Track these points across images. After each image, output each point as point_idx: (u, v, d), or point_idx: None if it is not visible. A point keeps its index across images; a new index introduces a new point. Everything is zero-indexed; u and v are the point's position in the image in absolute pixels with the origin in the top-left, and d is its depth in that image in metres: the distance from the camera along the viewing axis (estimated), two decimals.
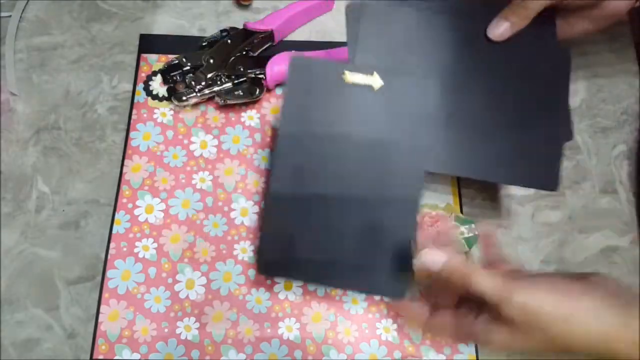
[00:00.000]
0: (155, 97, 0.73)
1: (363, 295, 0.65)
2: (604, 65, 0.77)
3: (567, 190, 0.71)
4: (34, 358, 0.62)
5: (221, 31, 0.73)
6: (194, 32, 0.77)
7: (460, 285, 0.50)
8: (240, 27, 0.74)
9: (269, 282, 0.65)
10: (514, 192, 0.71)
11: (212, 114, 0.72)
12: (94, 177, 0.69)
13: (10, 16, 0.76)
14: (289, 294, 0.65)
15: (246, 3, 0.77)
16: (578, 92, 0.76)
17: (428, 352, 0.63)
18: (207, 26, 0.77)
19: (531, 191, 0.71)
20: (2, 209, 0.67)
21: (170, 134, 0.71)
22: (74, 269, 0.65)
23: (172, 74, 0.72)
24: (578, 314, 0.46)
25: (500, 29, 0.60)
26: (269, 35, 0.74)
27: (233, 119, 0.72)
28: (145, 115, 0.72)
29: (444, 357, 0.63)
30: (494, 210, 0.70)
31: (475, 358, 0.63)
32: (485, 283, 0.48)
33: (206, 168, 0.70)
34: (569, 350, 0.47)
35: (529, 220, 0.70)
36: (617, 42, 0.78)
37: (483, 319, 0.50)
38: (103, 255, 0.66)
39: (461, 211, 0.69)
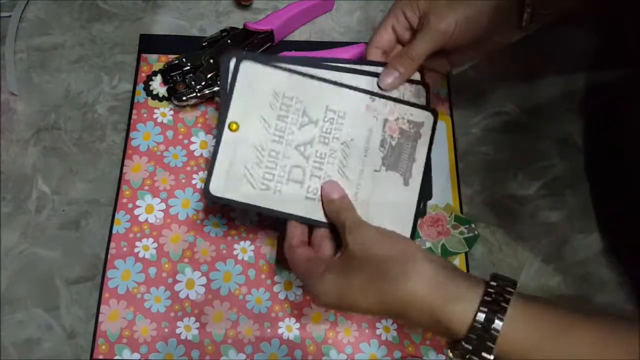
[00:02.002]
0: (155, 97, 0.73)
1: None
2: (604, 65, 0.77)
3: (567, 190, 0.71)
4: (34, 358, 0.62)
5: (221, 31, 0.74)
6: (194, 33, 0.77)
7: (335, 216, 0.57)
8: (241, 27, 0.74)
9: (269, 282, 0.65)
10: (514, 193, 0.71)
11: (212, 114, 0.72)
12: (94, 177, 0.69)
13: (10, 16, 0.76)
14: (288, 293, 0.65)
15: (246, 3, 0.78)
16: (578, 92, 0.76)
17: (428, 352, 0.63)
18: (207, 26, 0.77)
19: (531, 191, 0.71)
20: (2, 209, 0.67)
21: (170, 134, 0.71)
22: (74, 269, 0.65)
23: (172, 74, 0.72)
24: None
25: (389, 79, 0.60)
26: (269, 36, 0.74)
27: None
28: (145, 115, 0.72)
29: (444, 357, 0.63)
30: (493, 211, 0.70)
31: None
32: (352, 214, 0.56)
33: (206, 168, 0.69)
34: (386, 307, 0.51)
35: (528, 220, 0.70)
36: (618, 42, 0.78)
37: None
38: (103, 255, 0.66)
39: (461, 211, 0.69)
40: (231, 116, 0.57)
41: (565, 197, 0.71)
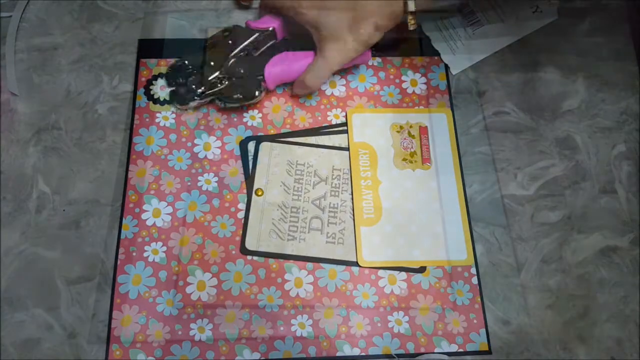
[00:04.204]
0: (156, 101, 0.73)
1: (374, 289, 0.65)
2: (604, 65, 0.78)
3: (567, 190, 0.72)
4: (34, 358, 0.61)
5: (222, 31, 0.73)
6: (195, 33, 0.77)
7: None
8: (242, 26, 0.74)
9: (279, 280, 0.65)
10: (514, 192, 0.71)
11: (214, 115, 0.73)
12: (94, 177, 0.69)
13: (10, 16, 0.75)
14: (299, 291, 0.65)
15: (246, 4, 0.78)
16: (578, 92, 0.77)
17: (440, 343, 0.64)
18: (208, 26, 0.78)
19: (531, 191, 0.71)
20: (3, 209, 0.67)
21: (173, 137, 0.71)
22: (74, 269, 0.65)
23: (172, 77, 0.72)
24: None
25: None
26: (272, 34, 0.74)
27: (235, 119, 0.72)
28: (147, 119, 0.72)
29: (456, 347, 0.64)
30: (493, 211, 0.70)
31: (487, 347, 0.64)
32: None
33: (211, 170, 0.70)
34: None
35: (528, 220, 0.70)
36: (617, 42, 0.79)
37: None
38: (103, 256, 0.65)
39: (466, 204, 0.70)
40: (256, 184, 0.70)
41: (565, 197, 0.72)
